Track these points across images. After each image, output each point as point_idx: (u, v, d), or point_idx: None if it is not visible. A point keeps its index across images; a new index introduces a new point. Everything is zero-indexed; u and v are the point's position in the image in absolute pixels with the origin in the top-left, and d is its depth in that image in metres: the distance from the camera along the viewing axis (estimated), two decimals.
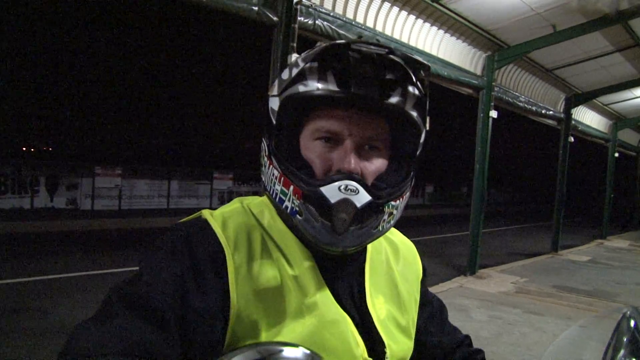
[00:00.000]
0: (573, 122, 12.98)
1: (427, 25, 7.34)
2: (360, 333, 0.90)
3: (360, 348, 0.89)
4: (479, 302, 6.89)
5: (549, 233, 13.41)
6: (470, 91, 8.79)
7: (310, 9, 5.47)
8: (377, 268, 1.01)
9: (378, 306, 0.96)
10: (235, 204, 0.97)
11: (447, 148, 38.62)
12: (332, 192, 0.81)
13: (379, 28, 6.58)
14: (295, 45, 5.19)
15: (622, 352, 0.90)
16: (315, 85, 0.83)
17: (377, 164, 0.89)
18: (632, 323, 0.98)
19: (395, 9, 6.72)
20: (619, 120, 16.24)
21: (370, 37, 6.23)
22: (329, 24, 5.69)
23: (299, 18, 5.25)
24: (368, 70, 0.82)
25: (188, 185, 16.89)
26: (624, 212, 23.63)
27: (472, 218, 8.96)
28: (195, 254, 0.82)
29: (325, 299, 0.88)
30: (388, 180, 0.90)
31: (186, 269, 0.81)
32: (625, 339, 0.93)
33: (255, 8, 4.98)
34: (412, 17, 7.01)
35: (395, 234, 1.13)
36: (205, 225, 0.88)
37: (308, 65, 0.84)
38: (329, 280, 0.90)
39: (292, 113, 0.88)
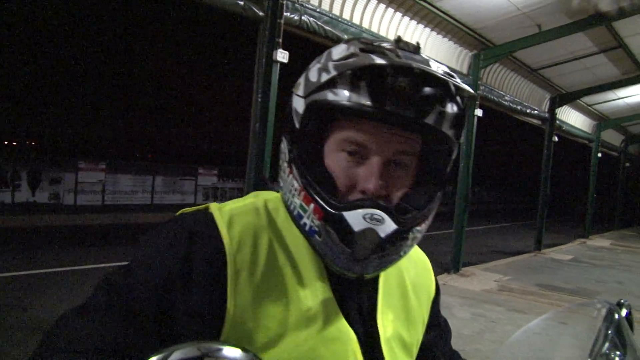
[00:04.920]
0: (557, 121, 13.10)
1: (414, 23, 7.35)
2: (363, 351, 0.84)
3: None
4: (462, 300, 6.93)
5: (533, 232, 13.54)
6: None
7: (296, 5, 5.45)
8: (391, 283, 0.95)
9: (386, 323, 0.90)
10: (248, 199, 0.89)
11: None
12: (356, 219, 0.76)
13: (365, 25, 6.57)
14: (280, 40, 5.17)
15: (607, 345, 0.91)
16: (345, 96, 0.76)
17: (404, 183, 0.83)
18: (616, 316, 0.99)
19: (382, 6, 6.71)
20: (602, 120, 16.41)
21: (356, 34, 6.22)
22: (315, 20, 5.67)
23: (284, 13, 5.24)
24: (406, 84, 0.75)
25: (172, 181, 16.77)
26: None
27: (456, 216, 9.00)
28: (194, 251, 0.77)
29: (329, 313, 0.82)
30: (414, 201, 0.84)
31: (180, 266, 0.76)
32: (610, 332, 0.95)
33: (241, 3, 4.95)
34: (398, 15, 7.01)
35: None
36: (210, 221, 0.81)
37: (340, 72, 0.77)
38: (337, 292, 0.84)
39: (318, 119, 0.82)
